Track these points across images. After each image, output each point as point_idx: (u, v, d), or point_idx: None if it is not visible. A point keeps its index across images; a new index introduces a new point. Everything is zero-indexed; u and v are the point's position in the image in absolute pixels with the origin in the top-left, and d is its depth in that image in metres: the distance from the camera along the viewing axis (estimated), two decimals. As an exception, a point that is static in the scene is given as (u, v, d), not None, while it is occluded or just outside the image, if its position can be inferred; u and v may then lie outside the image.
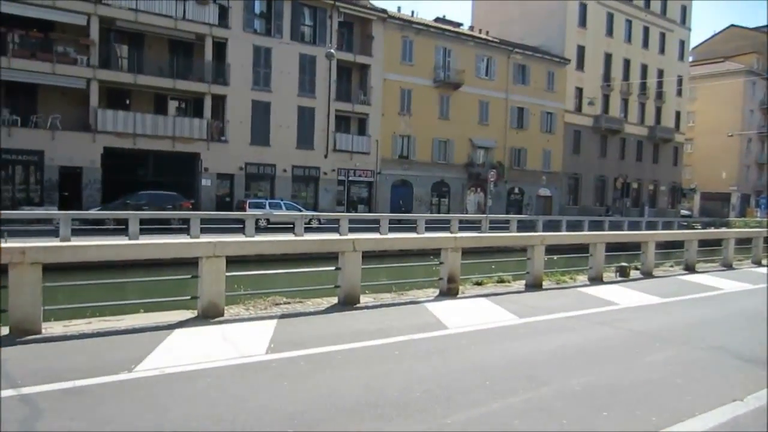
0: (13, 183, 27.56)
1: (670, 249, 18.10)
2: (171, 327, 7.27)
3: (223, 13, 32.27)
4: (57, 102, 28.92)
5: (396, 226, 30.20)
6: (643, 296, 11.12)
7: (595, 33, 49.81)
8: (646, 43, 54.19)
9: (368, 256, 15.23)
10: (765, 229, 21.91)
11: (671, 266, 16.76)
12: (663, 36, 55.89)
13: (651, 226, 40.40)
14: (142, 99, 31.52)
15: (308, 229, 27.92)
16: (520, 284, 12.10)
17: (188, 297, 8.18)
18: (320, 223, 29.58)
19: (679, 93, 57.97)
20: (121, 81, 29.94)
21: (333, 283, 9.49)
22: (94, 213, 23.66)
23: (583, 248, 13.93)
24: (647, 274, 14.60)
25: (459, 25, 46.22)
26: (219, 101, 32.61)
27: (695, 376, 5.85)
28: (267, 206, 29.10)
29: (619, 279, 13.75)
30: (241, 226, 23.77)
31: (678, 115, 58.17)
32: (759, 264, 18.10)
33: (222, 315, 8.08)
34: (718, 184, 64.92)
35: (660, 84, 55.27)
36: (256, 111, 33.45)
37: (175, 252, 7.92)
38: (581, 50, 48.87)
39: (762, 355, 6.78)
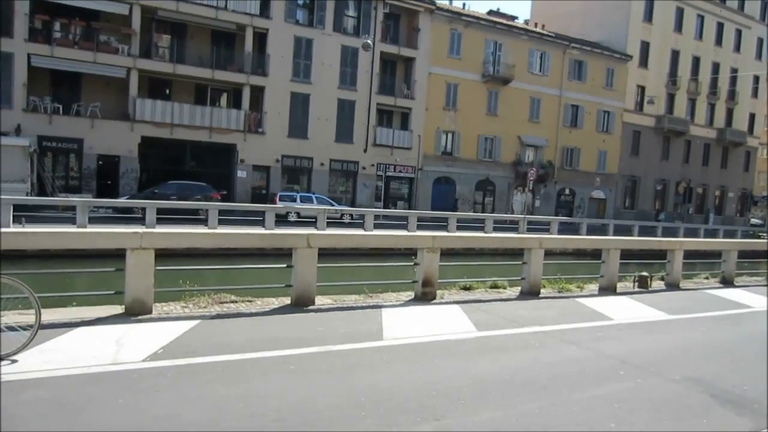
0: (54, 170, 28.12)
1: (712, 259, 16.37)
2: (80, 324, 6.63)
3: (265, 4, 31.96)
4: (100, 91, 29.37)
5: (429, 224, 29.12)
6: (649, 311, 9.77)
7: (663, 28, 46.85)
8: (719, 41, 50.59)
9: (356, 254, 14.38)
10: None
11: (706, 278, 15.10)
12: (739, 33, 52.02)
13: (711, 233, 37.63)
14: (182, 89, 31.68)
15: (339, 224, 27.36)
16: (515, 291, 10.97)
17: (113, 292, 7.54)
18: (352, 219, 28.83)
19: (755, 94, 53.90)
20: (160, 71, 30.13)
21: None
22: (111, 201, 23.96)
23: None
24: (672, 286, 13.09)
25: (513, 18, 44.47)
26: (258, 92, 32.39)
27: (637, 419, 4.67)
28: (298, 200, 28.63)
29: (637, 290, 12.32)
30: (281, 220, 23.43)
31: (753, 117, 54.13)
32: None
33: (150, 312, 7.40)
34: (795, 193, 60.29)
35: (733, 83, 51.57)
36: (295, 103, 33.05)
37: (94, 243, 7.28)
38: (645, 46, 46.09)
39: (749, 395, 5.49)
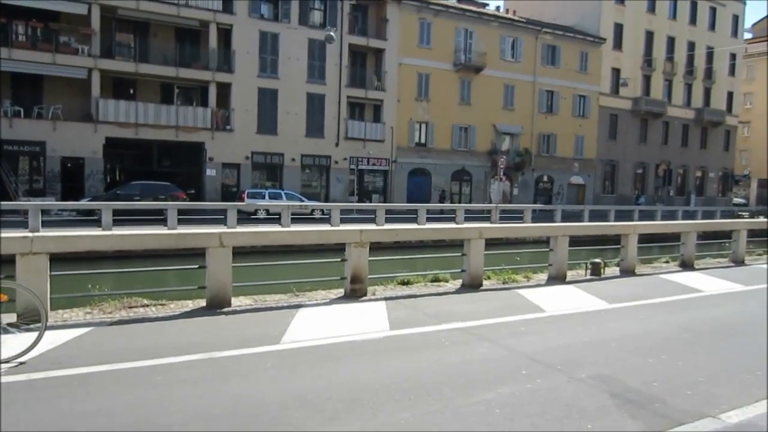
0: (16, 174, 27.60)
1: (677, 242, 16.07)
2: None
3: (228, -1, 31.48)
4: (62, 93, 28.86)
5: (405, 216, 28.83)
6: (589, 301, 9.50)
7: (635, 10, 46.56)
8: (693, 19, 50.37)
9: (312, 251, 14.05)
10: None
11: (666, 262, 14.85)
12: (714, 11, 51.83)
13: (689, 215, 37.50)
14: (147, 88, 31.14)
15: (309, 220, 27.00)
16: (457, 284, 10.67)
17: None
18: (323, 214, 28.46)
19: (732, 72, 53.76)
20: (123, 70, 29.63)
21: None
22: (63, 204, 23.65)
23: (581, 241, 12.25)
24: (627, 272, 12.81)
25: (484, 5, 44.05)
26: (225, 89, 31.88)
27: (516, 427, 4.36)
28: (266, 196, 28.27)
29: (588, 278, 12.04)
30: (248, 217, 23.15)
31: (730, 96, 54.00)
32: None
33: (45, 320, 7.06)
34: (779, 171, 60.11)
35: (709, 62, 51.37)
36: (263, 99, 32.60)
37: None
38: (619, 28, 45.82)
39: (656, 393, 5.18)
